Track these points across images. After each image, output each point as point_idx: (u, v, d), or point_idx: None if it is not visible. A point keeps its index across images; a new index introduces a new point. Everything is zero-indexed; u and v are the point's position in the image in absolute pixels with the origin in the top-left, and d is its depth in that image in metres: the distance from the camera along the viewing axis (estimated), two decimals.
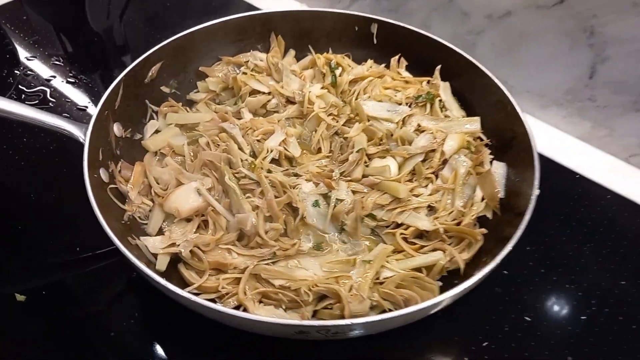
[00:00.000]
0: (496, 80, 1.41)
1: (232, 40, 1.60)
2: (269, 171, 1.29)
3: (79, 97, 1.73)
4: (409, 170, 1.32)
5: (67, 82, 1.77)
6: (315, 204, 1.27)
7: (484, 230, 1.21)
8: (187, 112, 1.50)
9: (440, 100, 1.48)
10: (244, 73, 1.53)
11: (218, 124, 1.39)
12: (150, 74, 1.45)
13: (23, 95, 1.72)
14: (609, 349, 1.18)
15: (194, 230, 1.21)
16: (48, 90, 1.73)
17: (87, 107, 1.70)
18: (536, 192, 1.16)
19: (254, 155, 1.34)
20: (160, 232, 1.25)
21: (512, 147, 1.35)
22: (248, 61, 1.57)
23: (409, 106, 1.47)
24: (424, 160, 1.34)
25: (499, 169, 1.34)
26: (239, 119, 1.44)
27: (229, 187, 1.23)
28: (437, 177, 1.32)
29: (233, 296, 1.10)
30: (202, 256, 1.15)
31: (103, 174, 1.22)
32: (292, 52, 1.67)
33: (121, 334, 1.19)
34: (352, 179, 1.32)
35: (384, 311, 1.11)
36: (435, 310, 1.02)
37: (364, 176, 1.32)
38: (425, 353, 1.18)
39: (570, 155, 1.59)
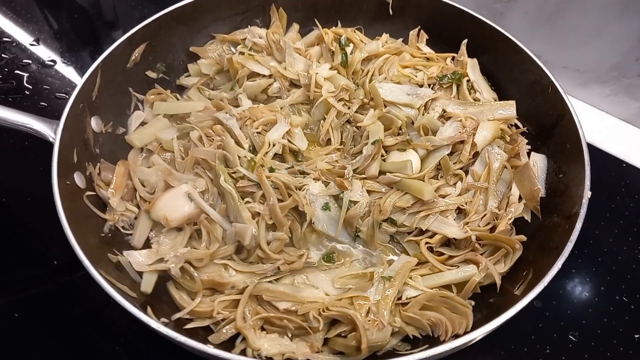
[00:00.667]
0: (533, 57, 1.22)
1: (227, 15, 1.40)
2: (272, 169, 1.12)
3: (60, 83, 1.54)
4: (433, 165, 1.14)
5: (46, 64, 1.58)
6: (326, 207, 1.10)
7: (522, 238, 1.04)
8: (178, 100, 1.32)
9: (469, 81, 1.28)
10: (241, 53, 1.33)
11: (212, 114, 1.21)
12: (133, 57, 1.26)
13: None
14: None
15: (186, 242, 1.05)
16: (25, 76, 1.55)
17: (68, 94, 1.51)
18: (588, 194, 0.98)
19: (253, 150, 1.17)
20: (148, 244, 1.08)
21: (553, 135, 1.17)
22: (245, 39, 1.37)
23: (432, 88, 1.27)
24: (451, 154, 1.16)
25: (538, 162, 1.16)
26: (236, 106, 1.26)
27: (224, 190, 1.06)
28: (467, 173, 1.14)
29: (230, 323, 0.94)
30: (195, 274, 0.99)
31: (78, 179, 1.05)
32: (295, 27, 1.47)
33: None
34: (367, 176, 1.14)
35: (407, 338, 0.95)
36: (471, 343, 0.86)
37: (380, 173, 1.14)
38: None
39: (616, 140, 1.40)
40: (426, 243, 1.05)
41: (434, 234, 1.06)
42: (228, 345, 0.93)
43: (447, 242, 1.09)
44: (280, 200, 1.07)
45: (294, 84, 1.33)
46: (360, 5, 1.45)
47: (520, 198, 1.11)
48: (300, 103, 1.31)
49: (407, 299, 0.98)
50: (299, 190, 1.10)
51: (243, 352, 0.92)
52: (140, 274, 1.01)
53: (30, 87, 1.52)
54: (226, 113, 1.20)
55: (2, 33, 1.68)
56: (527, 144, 1.19)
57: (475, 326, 0.91)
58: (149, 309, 0.90)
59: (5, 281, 1.17)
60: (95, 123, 1.16)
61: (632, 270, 1.15)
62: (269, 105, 1.27)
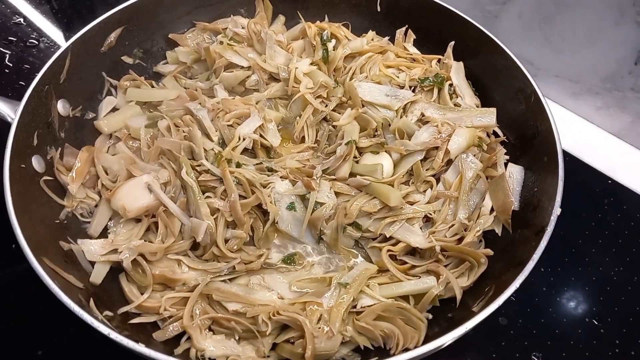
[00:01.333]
0: (518, 62, 1.17)
1: (210, 2, 1.37)
2: (238, 165, 1.08)
3: (41, 63, 1.49)
4: (405, 170, 1.10)
5: (29, 44, 1.56)
6: (291, 206, 1.07)
7: (489, 252, 1.00)
8: (153, 88, 1.28)
9: (451, 85, 1.23)
10: (221, 43, 1.29)
11: (184, 104, 1.17)
12: (108, 41, 1.23)
13: None
14: None
15: (142, 234, 1.02)
16: (7, 54, 1.53)
17: None
18: (557, 211, 0.93)
19: (223, 143, 1.13)
20: (105, 234, 1.06)
21: (533, 146, 1.12)
22: (227, 28, 1.33)
23: (413, 90, 1.23)
24: (424, 159, 1.12)
25: (515, 174, 1.12)
26: (212, 97, 1.22)
27: (186, 183, 1.03)
28: (438, 180, 1.10)
29: (177, 321, 0.92)
30: (147, 268, 0.96)
31: (37, 163, 1.03)
32: (281, 19, 1.43)
33: None
34: (337, 177, 1.11)
35: (358, 348, 0.92)
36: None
37: (351, 175, 1.11)
38: None
39: (604, 155, 1.35)
40: (388, 250, 1.02)
41: (398, 241, 1.02)
42: (173, 343, 0.91)
43: (413, 251, 1.05)
44: (243, 197, 1.04)
45: (274, 78, 1.29)
46: (348, 0, 1.41)
47: (492, 210, 1.07)
48: (279, 98, 1.28)
49: (361, 307, 0.94)
50: (265, 188, 1.06)
51: (186, 352, 0.89)
52: (93, 264, 0.99)
53: (11, 65, 1.50)
54: (199, 104, 1.17)
55: None
56: (507, 153, 1.15)
57: (428, 340, 0.87)
58: (91, 301, 0.88)
59: None
60: (62, 106, 1.13)
61: (605, 293, 1.11)
62: (244, 98, 1.23)
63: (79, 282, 0.92)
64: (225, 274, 0.99)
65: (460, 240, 1.03)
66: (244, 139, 1.13)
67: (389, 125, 1.17)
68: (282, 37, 1.33)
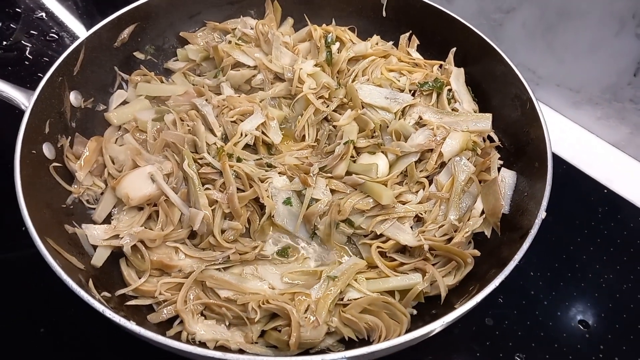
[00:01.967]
0: (516, 70, 1.19)
1: (222, 3, 1.42)
2: (239, 159, 1.12)
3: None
4: (400, 170, 1.14)
5: (50, 38, 1.63)
6: (287, 201, 1.11)
7: (476, 252, 1.02)
8: (163, 83, 1.34)
9: (450, 90, 1.26)
10: (229, 42, 1.34)
11: (190, 100, 1.22)
12: (121, 37, 1.28)
13: None
14: None
15: (143, 221, 1.07)
16: (28, 47, 1.60)
17: None
18: (542, 214, 0.95)
19: (226, 138, 1.18)
20: (109, 220, 1.11)
21: (526, 152, 1.14)
22: (236, 28, 1.38)
23: (413, 94, 1.26)
24: (419, 161, 1.15)
25: (507, 178, 1.14)
26: (218, 94, 1.27)
27: (187, 174, 1.07)
28: (431, 182, 1.12)
29: (171, 305, 0.96)
30: (145, 254, 1.01)
31: (47, 150, 1.08)
32: (289, 21, 1.47)
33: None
34: (333, 175, 1.14)
35: (342, 339, 0.95)
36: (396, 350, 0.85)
37: (347, 173, 1.14)
38: None
39: (601, 164, 1.36)
40: (378, 247, 1.05)
41: (388, 239, 1.06)
42: (166, 326, 0.95)
43: (403, 249, 1.08)
44: (242, 191, 1.08)
45: (279, 78, 1.33)
46: (355, 4, 1.44)
47: (482, 212, 1.09)
48: (283, 97, 1.32)
49: (348, 300, 0.97)
50: (263, 182, 1.10)
51: (178, 335, 0.93)
52: (95, 248, 1.04)
53: (31, 57, 1.57)
54: (205, 100, 1.22)
55: (14, 3, 1.73)
56: (501, 158, 1.17)
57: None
58: (90, 282, 0.92)
59: None
60: (74, 97, 1.19)
61: (593, 299, 1.13)
62: (248, 96, 1.27)
63: (80, 263, 0.96)
64: (219, 263, 1.03)
65: (449, 240, 1.06)
66: (245, 135, 1.17)
67: (387, 126, 1.20)
68: (289, 38, 1.38)
